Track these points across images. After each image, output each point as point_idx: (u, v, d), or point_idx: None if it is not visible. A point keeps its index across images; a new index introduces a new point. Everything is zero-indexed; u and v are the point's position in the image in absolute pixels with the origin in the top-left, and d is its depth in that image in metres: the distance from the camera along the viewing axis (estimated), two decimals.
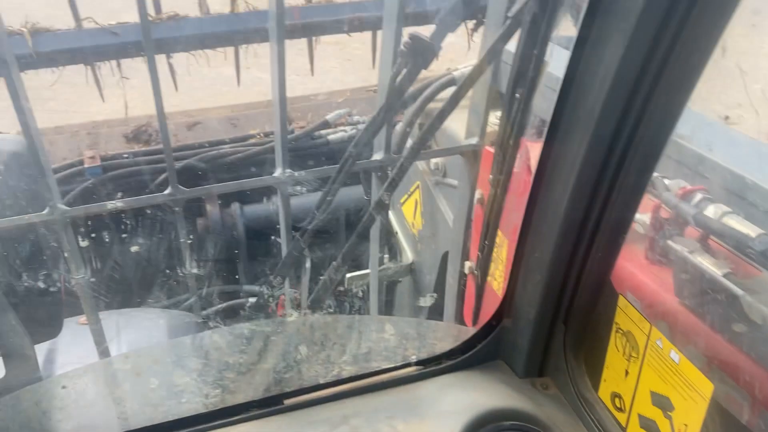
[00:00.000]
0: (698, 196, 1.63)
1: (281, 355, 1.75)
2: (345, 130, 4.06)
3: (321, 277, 2.05)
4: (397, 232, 3.68)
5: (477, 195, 2.36)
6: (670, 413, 1.49)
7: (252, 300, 3.54)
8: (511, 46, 1.75)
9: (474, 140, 2.16)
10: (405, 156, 1.88)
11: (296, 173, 2.00)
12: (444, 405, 1.66)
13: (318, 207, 1.92)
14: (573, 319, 1.64)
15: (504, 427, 1.57)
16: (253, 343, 1.75)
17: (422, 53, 1.44)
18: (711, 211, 1.58)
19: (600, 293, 1.59)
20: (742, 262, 1.50)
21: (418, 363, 1.76)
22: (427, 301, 2.81)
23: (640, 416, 1.59)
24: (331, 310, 2.11)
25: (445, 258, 3.00)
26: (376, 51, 4.36)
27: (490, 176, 1.64)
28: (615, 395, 1.67)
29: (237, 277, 3.94)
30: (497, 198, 1.62)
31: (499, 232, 1.77)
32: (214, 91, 7.07)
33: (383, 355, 1.82)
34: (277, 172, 2.05)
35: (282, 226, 2.13)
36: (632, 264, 1.65)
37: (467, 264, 2.45)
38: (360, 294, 2.82)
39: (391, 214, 3.68)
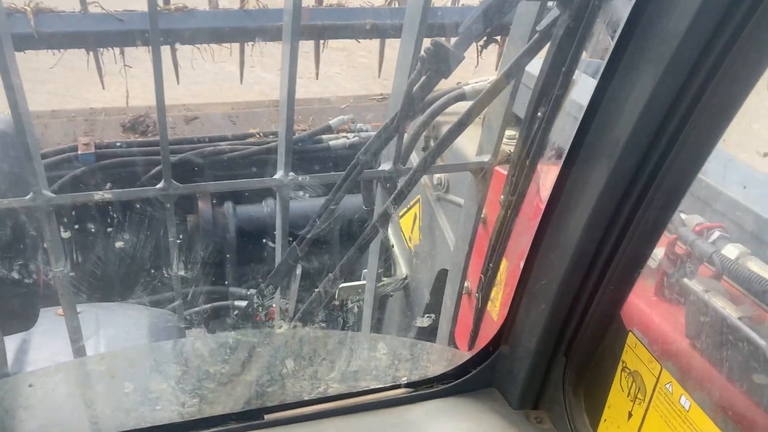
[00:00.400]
0: (716, 234, 1.57)
1: (266, 367, 1.67)
2: (347, 137, 4.00)
3: (315, 289, 1.96)
4: (393, 246, 3.61)
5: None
6: None
7: (239, 305, 3.46)
8: (530, 67, 1.69)
9: (486, 158, 2.08)
10: (415, 169, 1.80)
11: (299, 177, 1.91)
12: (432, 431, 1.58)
13: (319, 215, 1.82)
14: (575, 352, 1.58)
15: None
16: (237, 353, 1.67)
17: (444, 61, 1.37)
18: (729, 250, 1.52)
19: (607, 328, 1.53)
20: (758, 307, 1.43)
21: (408, 385, 1.70)
22: (424, 322, 2.73)
23: None
24: (323, 324, 2.03)
25: (441, 276, 2.93)
26: (383, 60, 4.32)
27: (501, 197, 1.56)
28: None
29: (225, 280, 3.85)
30: (506, 220, 1.55)
31: None
32: (215, 87, 7.03)
33: (373, 375, 1.75)
34: (279, 175, 1.95)
35: (278, 232, 2.04)
36: (642, 300, 1.57)
37: (465, 285, 2.38)
38: (354, 308, 2.74)
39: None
